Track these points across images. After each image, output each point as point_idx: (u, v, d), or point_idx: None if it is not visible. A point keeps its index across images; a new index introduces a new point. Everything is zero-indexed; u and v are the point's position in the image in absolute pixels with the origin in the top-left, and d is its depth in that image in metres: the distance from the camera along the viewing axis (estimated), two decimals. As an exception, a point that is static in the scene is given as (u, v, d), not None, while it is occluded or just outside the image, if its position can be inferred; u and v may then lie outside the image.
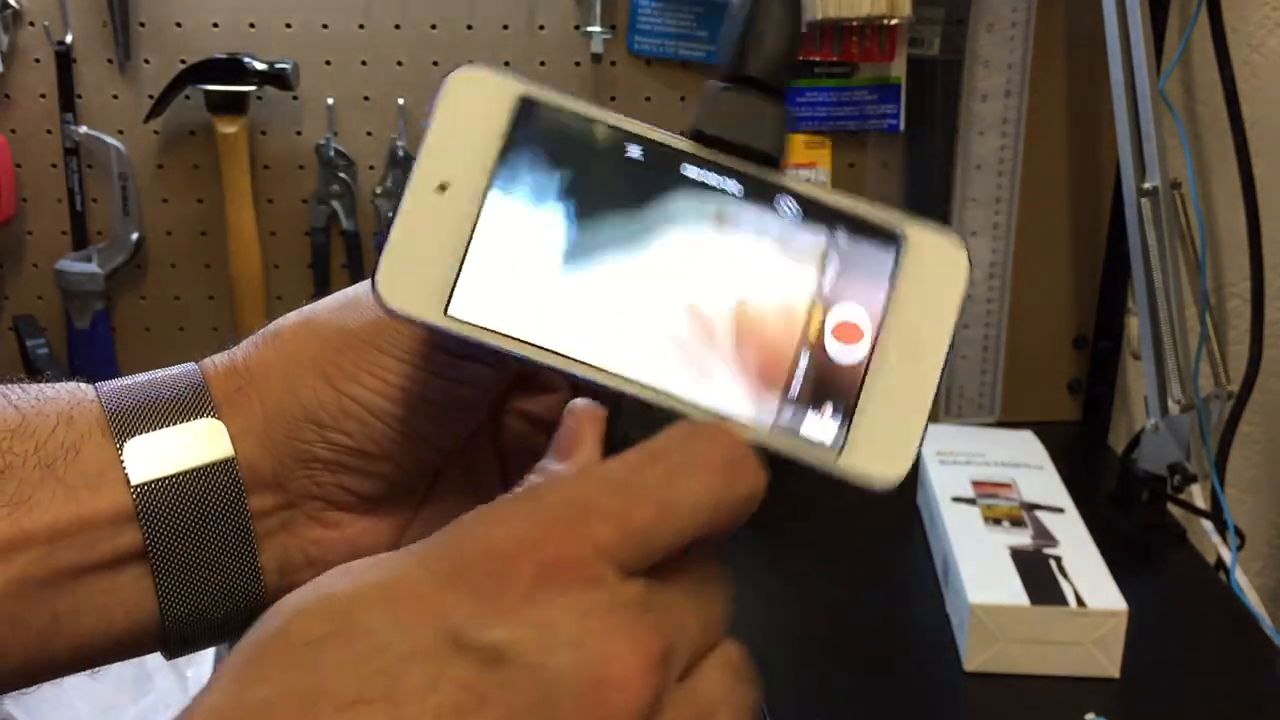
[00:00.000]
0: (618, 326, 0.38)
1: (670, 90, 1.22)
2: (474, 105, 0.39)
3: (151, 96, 1.19)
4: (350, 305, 0.43)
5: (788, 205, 0.39)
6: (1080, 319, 1.34)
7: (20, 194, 1.22)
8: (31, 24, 1.18)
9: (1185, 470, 1.13)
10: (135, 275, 1.26)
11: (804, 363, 0.38)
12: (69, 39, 1.18)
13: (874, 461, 0.37)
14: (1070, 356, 1.35)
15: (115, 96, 1.21)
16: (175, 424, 0.42)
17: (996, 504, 1.08)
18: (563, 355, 0.37)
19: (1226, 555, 1.15)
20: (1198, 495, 1.20)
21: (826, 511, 1.18)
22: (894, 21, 1.16)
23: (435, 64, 1.21)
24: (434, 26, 1.21)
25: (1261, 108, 1.25)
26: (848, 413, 0.37)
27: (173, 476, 0.41)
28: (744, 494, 0.35)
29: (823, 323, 0.38)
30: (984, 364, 1.32)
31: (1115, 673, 0.94)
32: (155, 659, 0.98)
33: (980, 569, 0.98)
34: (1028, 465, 1.15)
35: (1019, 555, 1.00)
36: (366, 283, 0.43)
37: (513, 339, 0.37)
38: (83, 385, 0.43)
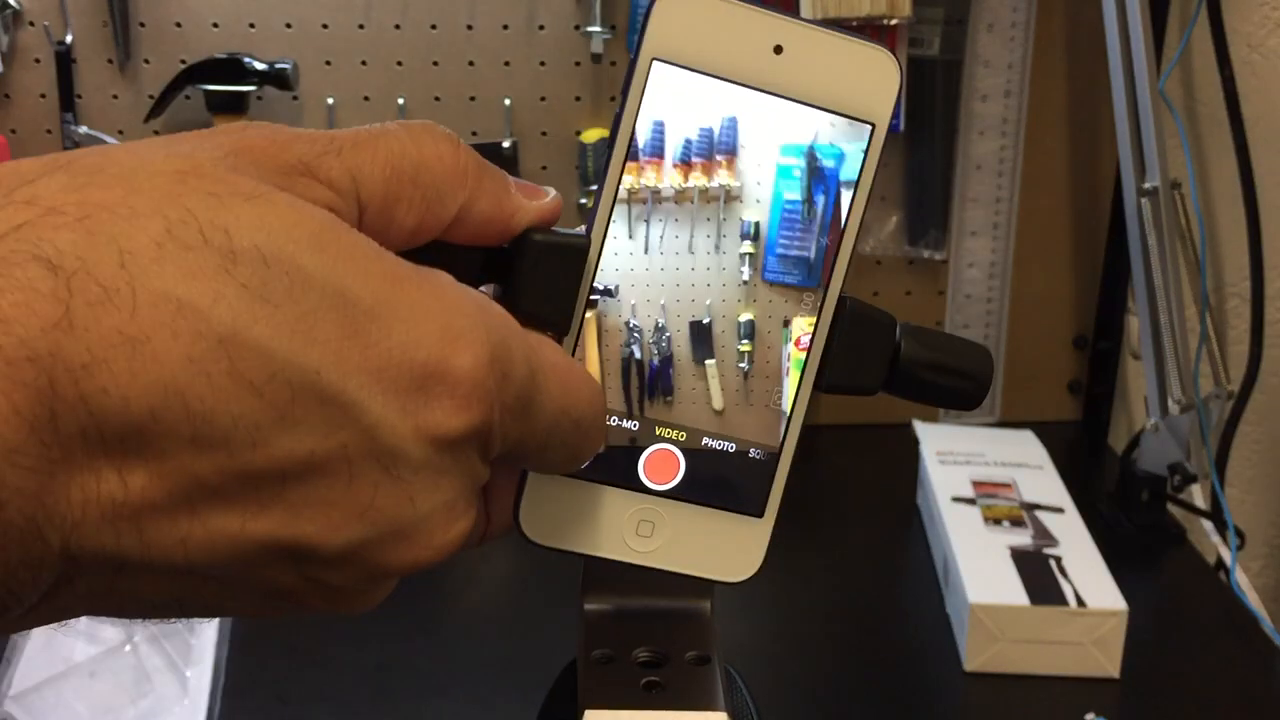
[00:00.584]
0: (644, 278, 0.38)
1: (670, 90, 1.22)
2: (683, 24, 0.37)
3: (151, 96, 1.19)
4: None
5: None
6: (1080, 319, 1.34)
7: (20, 194, 1.22)
8: (31, 24, 1.18)
9: (1185, 470, 1.13)
10: (135, 275, 1.26)
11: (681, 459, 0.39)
12: (69, 39, 1.18)
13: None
14: (1070, 356, 1.35)
15: (115, 96, 1.21)
16: None
17: (996, 504, 1.08)
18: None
19: (1226, 555, 1.15)
20: (1198, 495, 1.20)
21: (827, 511, 1.18)
22: (894, 21, 1.16)
23: (435, 64, 1.21)
24: (434, 26, 1.21)
25: (1261, 108, 1.25)
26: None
27: None
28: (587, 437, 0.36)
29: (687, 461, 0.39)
30: (984, 364, 1.32)
31: (1115, 673, 0.94)
32: (155, 659, 0.98)
33: (980, 569, 0.98)
34: (1028, 465, 1.15)
35: (1019, 555, 1.00)
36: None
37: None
38: None
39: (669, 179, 0.38)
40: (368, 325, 0.29)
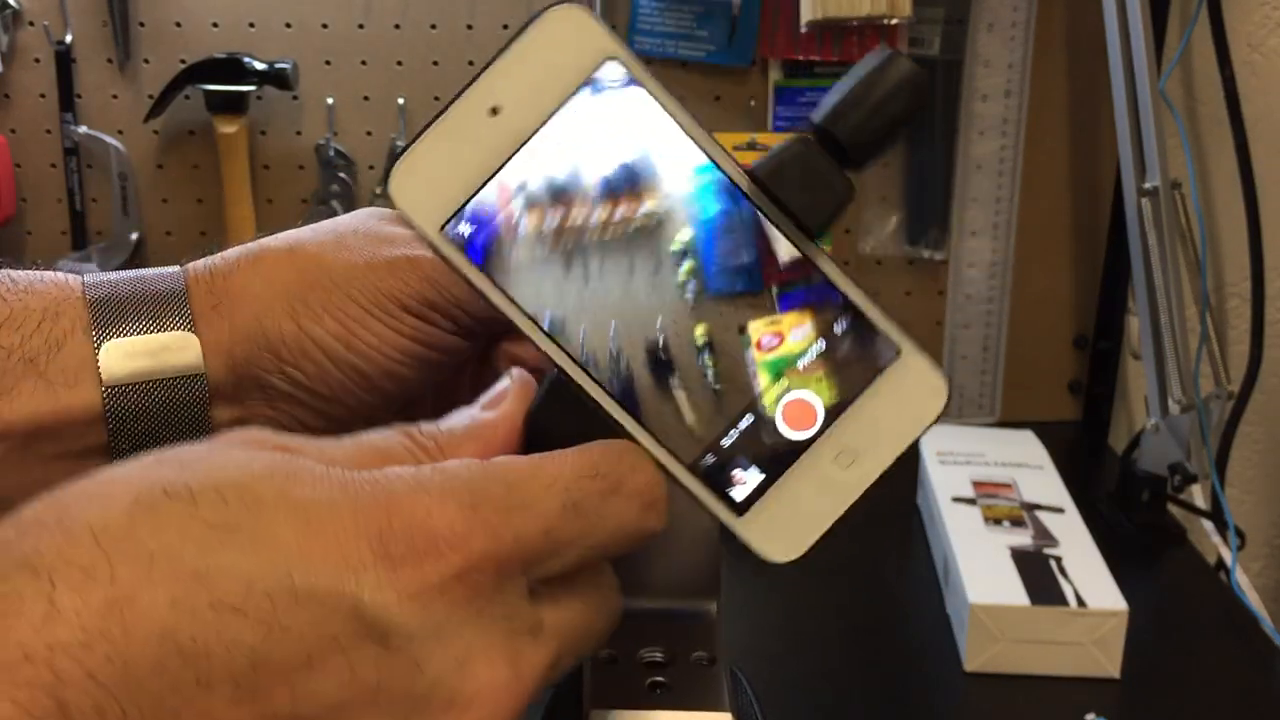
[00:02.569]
0: (592, 314, 0.37)
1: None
2: (560, 47, 0.37)
3: (151, 96, 1.19)
4: (336, 242, 0.44)
5: (804, 274, 0.38)
6: (1080, 319, 1.34)
7: (20, 194, 1.22)
8: (31, 24, 1.18)
9: (1185, 470, 1.13)
10: (135, 275, 1.26)
11: (745, 422, 0.37)
12: (69, 39, 1.18)
13: (771, 537, 0.37)
14: (1070, 356, 1.35)
15: (115, 96, 1.21)
16: (152, 331, 0.42)
17: (997, 504, 1.08)
18: (528, 318, 0.37)
19: (1226, 555, 1.15)
20: (1198, 495, 1.20)
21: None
22: (894, 21, 1.16)
23: (435, 64, 1.21)
24: (434, 26, 1.21)
25: (1261, 108, 1.25)
26: (765, 484, 0.37)
27: (144, 382, 0.42)
28: (650, 531, 0.35)
29: (781, 395, 0.37)
30: (984, 364, 1.32)
31: (1115, 673, 0.94)
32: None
33: (980, 569, 0.98)
34: (1028, 465, 1.15)
35: (1019, 555, 1.00)
36: (360, 214, 0.44)
37: (488, 281, 0.36)
38: (70, 278, 0.44)
39: (596, 216, 0.37)
40: (324, 523, 0.31)
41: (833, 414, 0.37)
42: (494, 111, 0.37)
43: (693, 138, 0.37)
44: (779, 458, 0.37)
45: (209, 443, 0.33)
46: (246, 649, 0.29)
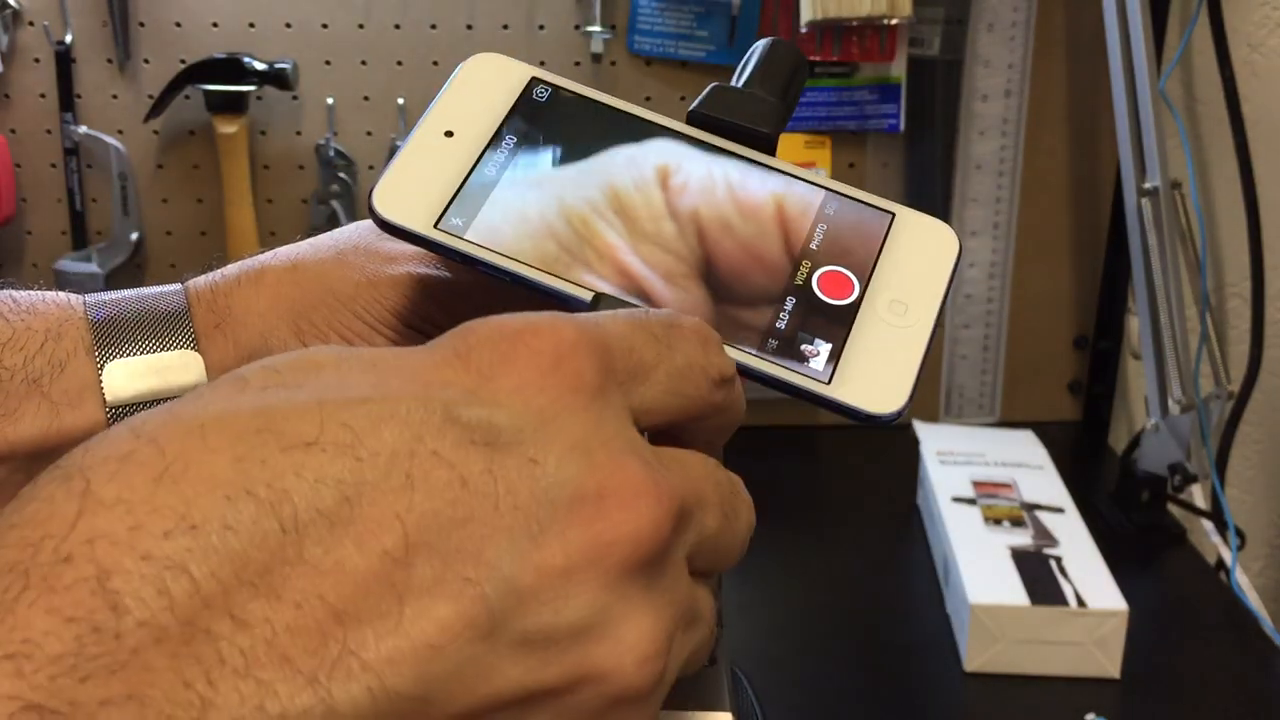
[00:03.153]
0: (606, 258, 0.39)
1: (670, 90, 1.22)
2: (488, 78, 0.42)
3: (151, 96, 1.19)
4: (338, 259, 0.44)
5: (777, 174, 0.42)
6: (1080, 319, 1.34)
7: (20, 194, 1.22)
8: (31, 24, 1.18)
9: (1185, 470, 1.13)
10: (135, 275, 1.26)
11: (789, 304, 0.39)
12: (69, 39, 1.18)
13: (869, 393, 0.38)
14: (1070, 356, 1.35)
15: (115, 96, 1.21)
16: (155, 350, 0.42)
17: (997, 504, 1.08)
18: (546, 271, 0.38)
19: (1226, 555, 1.15)
20: (1198, 495, 1.20)
21: (827, 511, 1.18)
22: (894, 21, 1.16)
23: (435, 64, 1.21)
24: (434, 26, 1.21)
25: (1261, 108, 1.25)
26: (835, 351, 0.38)
27: (148, 403, 0.42)
28: (720, 370, 0.33)
29: (810, 274, 0.40)
30: (984, 364, 1.32)
31: (1115, 673, 0.94)
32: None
33: (980, 569, 0.98)
34: (1028, 465, 1.15)
35: (1019, 555, 1.00)
36: (356, 229, 0.44)
37: (494, 252, 0.38)
38: (72, 298, 0.44)
39: (575, 179, 0.42)
40: (397, 363, 0.29)
41: (863, 277, 0.40)
42: (449, 134, 0.40)
43: (632, 113, 0.42)
44: (836, 325, 0.39)
45: None
46: (333, 482, 0.26)
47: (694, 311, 0.38)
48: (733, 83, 0.44)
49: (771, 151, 0.42)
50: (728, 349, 0.37)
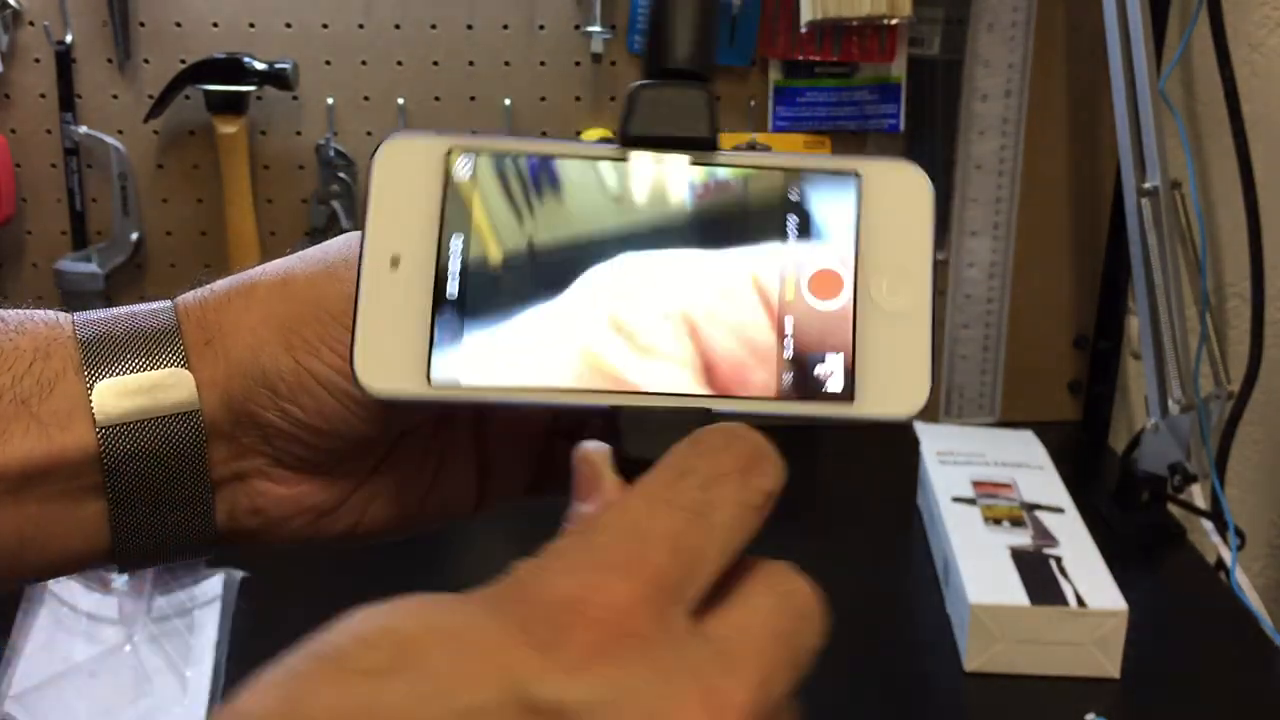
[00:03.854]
0: (596, 347, 0.38)
1: (670, 90, 1.22)
2: (407, 171, 0.39)
3: (151, 96, 1.19)
4: (328, 273, 0.43)
5: (734, 181, 0.39)
6: (1080, 319, 1.34)
7: (20, 194, 1.22)
8: (31, 24, 1.18)
9: (1185, 470, 1.13)
10: (135, 275, 1.26)
11: (789, 326, 0.38)
12: (69, 39, 1.18)
13: (891, 399, 0.37)
14: (1070, 356, 1.35)
15: (115, 96, 1.21)
16: (145, 369, 0.42)
17: (996, 504, 1.08)
18: (552, 390, 0.37)
19: (1226, 555, 1.15)
20: (1198, 495, 1.20)
21: (827, 511, 1.18)
22: (894, 21, 1.16)
23: (435, 64, 1.21)
24: (434, 26, 1.21)
25: (1261, 108, 1.25)
26: (849, 359, 0.38)
27: (138, 422, 0.42)
28: (770, 489, 0.35)
29: (798, 282, 0.38)
30: (984, 364, 1.32)
31: (1115, 673, 0.94)
32: (154, 660, 0.98)
33: (980, 569, 0.98)
34: (1028, 465, 1.15)
35: (1019, 555, 1.00)
36: (345, 242, 0.44)
37: (499, 389, 0.37)
38: (60, 317, 0.44)
39: (544, 264, 0.40)
40: (470, 638, 0.31)
41: (849, 266, 0.38)
42: (394, 263, 0.38)
43: (559, 153, 0.39)
44: (839, 332, 0.38)
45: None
46: None
47: (709, 383, 0.37)
48: (646, 54, 0.40)
49: (713, 146, 0.40)
50: (744, 405, 0.37)
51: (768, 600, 0.34)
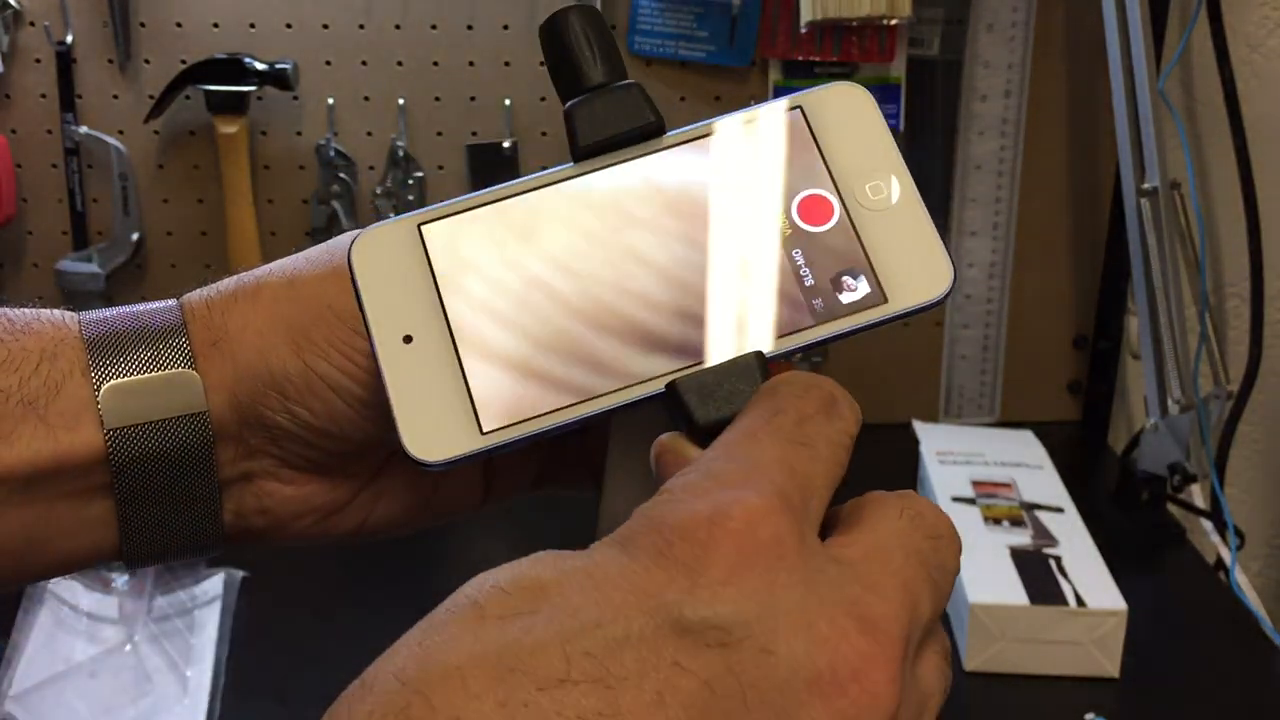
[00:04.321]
0: (626, 338, 0.38)
1: (670, 90, 1.22)
2: (386, 257, 0.39)
3: (151, 96, 1.19)
4: (334, 274, 0.43)
5: (694, 151, 0.40)
6: (1080, 319, 1.34)
7: (20, 194, 1.22)
8: (31, 24, 1.18)
9: (1185, 470, 1.13)
10: (135, 275, 1.26)
11: (799, 257, 0.39)
12: (69, 39, 1.18)
13: (918, 290, 0.38)
14: (1070, 356, 1.35)
15: (115, 96, 1.21)
16: (152, 371, 0.42)
17: (996, 504, 1.08)
18: (603, 395, 0.38)
19: (1226, 555, 1.15)
20: (1198, 495, 1.20)
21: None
22: (894, 21, 1.16)
23: (435, 64, 1.21)
24: (434, 26, 1.21)
25: (1261, 108, 1.25)
26: (867, 264, 0.38)
27: (146, 424, 0.42)
28: (852, 431, 0.35)
29: (789, 216, 0.39)
30: (984, 364, 1.32)
31: (1115, 673, 0.94)
32: (155, 659, 0.98)
33: (980, 569, 0.98)
34: (1028, 465, 1.15)
35: (1019, 555, 1.00)
36: (350, 239, 0.44)
37: (552, 413, 0.37)
38: (67, 317, 0.43)
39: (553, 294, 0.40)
40: (609, 574, 0.31)
41: (829, 185, 0.40)
42: (407, 340, 0.38)
43: (520, 190, 0.40)
44: (847, 245, 0.39)
45: None
46: (594, 714, 0.28)
47: (748, 336, 0.38)
48: (555, 82, 0.42)
49: (663, 130, 0.41)
50: (790, 341, 0.38)
51: (897, 523, 0.34)
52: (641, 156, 0.40)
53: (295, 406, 0.42)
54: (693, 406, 0.37)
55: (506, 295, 0.39)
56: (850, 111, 0.40)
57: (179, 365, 0.42)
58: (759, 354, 0.37)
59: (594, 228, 0.39)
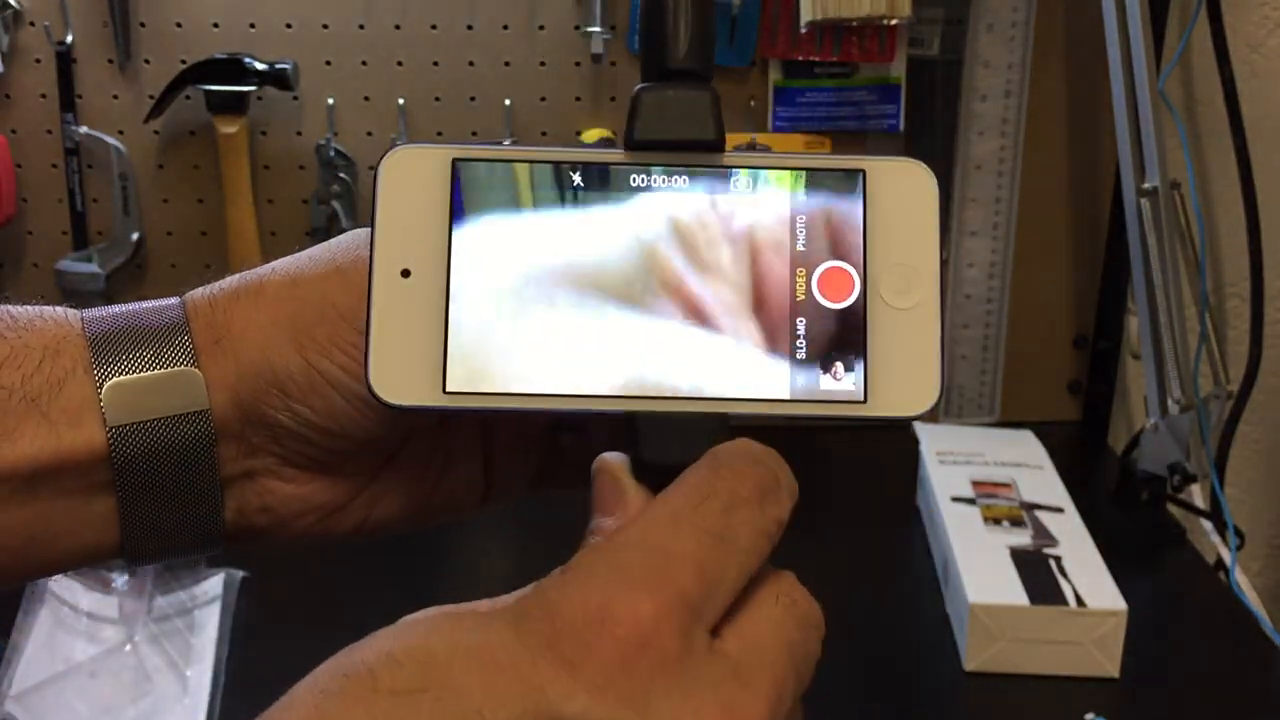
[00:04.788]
0: (610, 352, 0.38)
1: (670, 90, 1.22)
2: (413, 181, 0.39)
3: (151, 96, 1.19)
4: (337, 273, 0.43)
5: (742, 182, 0.39)
6: (1080, 319, 1.34)
7: (20, 194, 1.22)
8: (31, 24, 1.18)
9: (1185, 470, 1.13)
10: (135, 275, 1.26)
11: (801, 327, 0.38)
12: (69, 39, 1.18)
13: (903, 399, 0.38)
14: (1070, 356, 1.35)
15: (115, 96, 1.21)
16: (154, 369, 0.42)
17: (996, 504, 1.08)
18: (567, 396, 0.38)
19: (1226, 555, 1.15)
20: (1197, 495, 1.20)
21: (827, 511, 1.18)
22: (894, 21, 1.16)
23: (435, 64, 1.21)
24: (434, 26, 1.21)
25: (1261, 108, 1.25)
26: (860, 363, 0.38)
27: (148, 422, 0.42)
28: (783, 519, 0.36)
29: (808, 282, 0.38)
30: (984, 364, 1.32)
31: (1115, 673, 0.94)
32: (155, 659, 0.98)
33: (980, 569, 0.98)
34: (1028, 465, 1.15)
35: (1019, 555, 1.00)
36: (354, 240, 0.44)
37: (514, 396, 0.37)
38: (70, 314, 0.44)
39: (554, 270, 0.40)
40: (497, 656, 0.32)
41: (858, 264, 0.38)
42: (405, 274, 0.38)
43: (567, 160, 0.39)
44: (852, 332, 0.38)
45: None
46: None
47: (723, 385, 0.38)
48: (642, 51, 0.40)
49: (721, 148, 0.40)
50: (760, 409, 0.37)
51: (775, 612, 0.35)
52: (690, 169, 0.39)
53: (297, 405, 0.43)
54: (643, 443, 0.37)
55: (513, 264, 0.38)
56: (910, 195, 0.39)
57: (181, 363, 0.42)
58: (723, 417, 0.37)
59: (617, 227, 0.39)
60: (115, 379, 0.42)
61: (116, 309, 0.44)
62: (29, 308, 0.43)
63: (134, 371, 0.42)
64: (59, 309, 0.44)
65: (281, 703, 0.31)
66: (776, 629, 0.34)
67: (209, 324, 0.43)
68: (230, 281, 0.44)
